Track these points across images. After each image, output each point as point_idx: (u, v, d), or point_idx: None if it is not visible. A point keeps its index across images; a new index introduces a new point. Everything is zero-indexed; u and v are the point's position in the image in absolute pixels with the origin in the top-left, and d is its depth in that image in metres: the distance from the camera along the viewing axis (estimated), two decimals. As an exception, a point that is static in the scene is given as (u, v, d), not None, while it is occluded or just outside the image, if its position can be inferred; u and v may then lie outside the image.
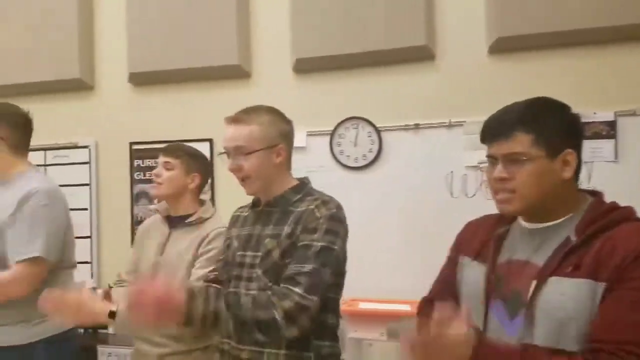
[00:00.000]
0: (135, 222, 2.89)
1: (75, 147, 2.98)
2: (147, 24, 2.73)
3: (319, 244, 1.18)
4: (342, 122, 2.57)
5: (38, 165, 2.95)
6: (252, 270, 1.24)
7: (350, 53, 2.49)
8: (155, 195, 1.72)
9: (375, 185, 2.53)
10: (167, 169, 1.69)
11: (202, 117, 2.79)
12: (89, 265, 2.93)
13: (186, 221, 1.68)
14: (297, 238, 1.20)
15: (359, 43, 2.48)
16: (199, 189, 1.75)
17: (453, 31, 2.51)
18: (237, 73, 2.69)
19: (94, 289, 2.74)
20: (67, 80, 2.90)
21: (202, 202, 1.77)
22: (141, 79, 2.84)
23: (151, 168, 2.86)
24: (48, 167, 3.00)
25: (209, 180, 2.71)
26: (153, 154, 2.85)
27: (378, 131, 2.53)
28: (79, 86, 2.94)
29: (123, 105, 2.93)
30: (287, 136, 1.33)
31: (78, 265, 2.94)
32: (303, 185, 1.33)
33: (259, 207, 1.33)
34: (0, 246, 1.56)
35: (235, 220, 1.41)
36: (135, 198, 2.91)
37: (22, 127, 1.70)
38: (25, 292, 1.52)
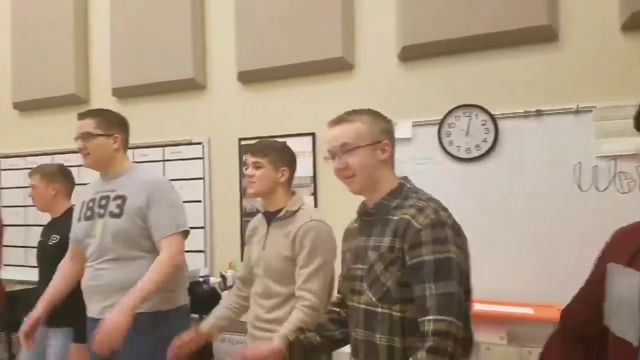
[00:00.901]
0: (244, 214, 3.01)
1: (190, 143, 3.17)
2: (254, 24, 2.82)
3: (429, 257, 1.10)
4: (452, 110, 2.43)
5: (157, 160, 3.25)
6: (361, 283, 1.22)
7: (461, 37, 2.35)
8: (251, 194, 1.78)
9: (490, 178, 2.35)
10: (257, 168, 1.72)
11: (305, 111, 2.81)
12: (202, 254, 3.10)
13: (277, 216, 1.72)
14: (403, 254, 1.14)
15: (471, 25, 2.32)
16: (289, 181, 1.79)
17: (579, 8, 2.26)
18: (341, 65, 2.67)
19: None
20: (182, 81, 3.09)
21: (293, 194, 1.80)
22: (249, 77, 2.93)
23: (258, 162, 2.97)
24: (166, 163, 3.23)
25: (312, 178, 2.75)
26: (259, 148, 2.94)
27: (494, 119, 2.36)
28: (192, 86, 3.12)
29: (232, 103, 3.05)
30: (390, 133, 1.30)
31: (193, 254, 3.15)
32: (401, 187, 1.26)
33: (363, 217, 1.31)
34: (137, 225, 1.77)
35: (348, 233, 1.40)
36: (243, 191, 3.02)
37: (128, 131, 1.95)
38: (183, 260, 1.78)
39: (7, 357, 2.98)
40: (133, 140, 2.01)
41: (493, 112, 2.36)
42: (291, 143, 1.84)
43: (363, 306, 1.19)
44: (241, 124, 3.01)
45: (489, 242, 2.29)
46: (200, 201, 3.12)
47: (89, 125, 1.81)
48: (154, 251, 1.78)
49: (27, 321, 1.84)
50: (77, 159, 3.44)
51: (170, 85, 3.15)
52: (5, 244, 2.71)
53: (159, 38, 3.11)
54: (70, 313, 2.18)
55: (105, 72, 3.37)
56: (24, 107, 3.71)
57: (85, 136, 1.79)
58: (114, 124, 1.86)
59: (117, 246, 1.77)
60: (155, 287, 1.68)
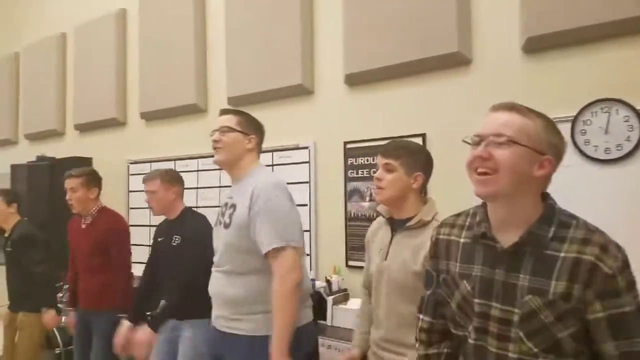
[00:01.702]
0: (348, 219, 2.96)
1: (297, 148, 3.21)
2: (363, 25, 2.78)
3: (630, 308, 0.94)
4: (588, 105, 2.15)
5: (266, 165, 3.33)
6: (507, 328, 1.02)
7: (598, 23, 2.07)
8: (379, 200, 1.61)
9: (635, 182, 2.04)
10: (389, 171, 1.56)
11: (416, 111, 2.69)
12: (308, 257, 3.10)
13: (406, 225, 1.55)
14: (585, 304, 0.96)
15: (609, 10, 2.04)
16: (423, 188, 1.62)
17: None
18: (457, 61, 2.51)
19: None
20: (290, 87, 3.14)
21: (425, 201, 1.63)
22: (356, 79, 2.90)
23: (363, 166, 2.91)
24: (275, 167, 3.30)
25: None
26: (365, 152, 2.88)
27: (639, 115, 2.04)
28: (300, 91, 3.16)
29: (339, 107, 3.03)
30: (558, 153, 1.07)
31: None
32: (551, 210, 1.04)
33: (495, 242, 1.05)
34: (242, 239, 1.70)
35: (447, 246, 1.16)
36: (348, 195, 2.98)
37: (263, 137, 1.96)
38: (300, 276, 1.64)
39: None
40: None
41: (638, 107, 2.04)
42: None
43: (515, 356, 1.01)
44: (347, 127, 2.97)
45: (637, 257, 1.96)
46: (306, 205, 3.14)
47: (231, 120, 1.83)
48: (263, 270, 1.69)
49: None
50: (196, 164, 3.71)
51: (279, 92, 3.22)
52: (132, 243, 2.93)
53: (269, 47, 3.21)
54: (200, 306, 2.25)
55: (221, 82, 3.56)
56: (150, 116, 4.07)
57: (224, 130, 1.81)
58: (253, 126, 1.88)
59: (228, 258, 1.75)
60: (288, 324, 1.60)
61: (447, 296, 1.15)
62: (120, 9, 4.32)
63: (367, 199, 2.88)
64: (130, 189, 4.21)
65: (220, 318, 1.79)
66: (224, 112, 1.89)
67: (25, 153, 5.03)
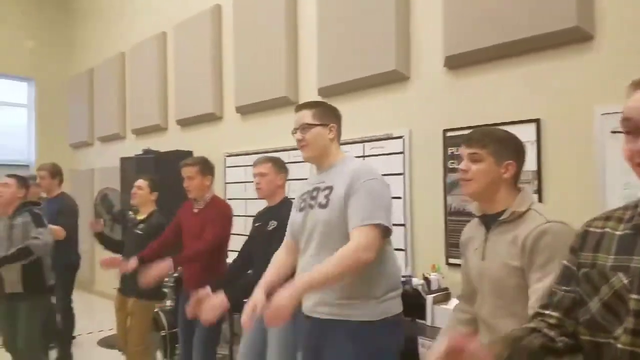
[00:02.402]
0: (448, 213, 2.77)
1: (390, 138, 3.07)
2: (465, 1, 2.55)
3: None
4: None
5: (357, 156, 3.23)
6: None
7: None
8: (467, 194, 1.48)
9: None
10: (475, 162, 1.42)
11: (527, 95, 2.43)
12: (403, 252, 2.97)
13: (499, 219, 1.41)
14: None
15: None
16: (516, 178, 1.45)
17: None
18: (575, 37, 2.21)
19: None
20: (384, 74, 3.01)
21: (519, 190, 1.47)
22: (458, 61, 2.68)
23: (465, 156, 2.70)
24: (366, 158, 3.19)
25: (537, 173, 2.34)
26: (466, 141, 2.67)
27: None
28: (395, 78, 3.01)
29: (438, 92, 2.84)
30: None
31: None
32: None
33: None
34: (341, 217, 1.70)
35: (599, 239, 1.00)
36: (448, 187, 2.79)
37: (341, 121, 1.92)
38: (372, 257, 1.62)
39: (230, 335, 3.35)
40: (335, 137, 1.97)
41: None
42: (509, 132, 1.51)
43: None
44: (447, 114, 2.77)
45: None
46: (400, 197, 3.00)
47: (307, 116, 1.83)
48: None
49: (248, 306, 1.75)
50: (288, 156, 3.72)
51: (372, 79, 3.10)
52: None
53: (361, 32, 3.10)
54: None
55: (312, 73, 3.53)
56: (244, 110, 4.16)
57: (304, 127, 1.81)
58: (329, 114, 1.87)
59: (324, 239, 1.73)
60: (325, 280, 1.58)
61: (587, 294, 0.97)
62: (215, 5, 4.46)
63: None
64: (227, 181, 4.35)
65: (321, 305, 1.74)
66: (298, 108, 1.89)
67: (132, 147, 5.44)
